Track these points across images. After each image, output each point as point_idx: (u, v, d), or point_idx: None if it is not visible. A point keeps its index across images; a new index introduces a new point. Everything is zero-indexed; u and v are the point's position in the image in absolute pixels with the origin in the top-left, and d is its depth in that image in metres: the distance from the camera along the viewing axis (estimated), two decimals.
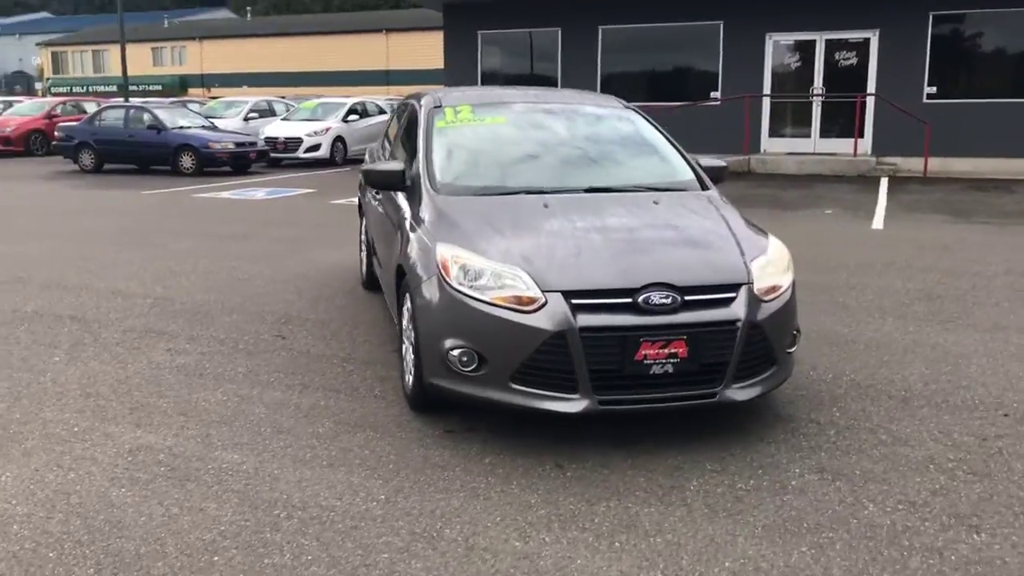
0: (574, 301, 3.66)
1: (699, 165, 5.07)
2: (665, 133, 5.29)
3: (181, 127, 18.05)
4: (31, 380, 4.75)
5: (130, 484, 3.47)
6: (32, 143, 23.07)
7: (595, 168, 4.88)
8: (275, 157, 19.70)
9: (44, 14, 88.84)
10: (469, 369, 3.78)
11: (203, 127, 18.59)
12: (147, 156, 18.05)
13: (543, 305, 3.65)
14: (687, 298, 3.74)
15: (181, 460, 3.71)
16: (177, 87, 51.94)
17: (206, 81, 53.05)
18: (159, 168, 18.05)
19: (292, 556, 2.95)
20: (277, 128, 20.22)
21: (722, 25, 17.74)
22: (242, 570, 2.86)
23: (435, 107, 5.23)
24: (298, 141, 19.63)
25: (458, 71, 19.68)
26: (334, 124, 20.34)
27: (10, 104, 25.82)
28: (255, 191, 14.65)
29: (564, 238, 4.00)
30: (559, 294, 3.67)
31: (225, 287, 7.06)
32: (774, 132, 17.71)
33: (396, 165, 4.84)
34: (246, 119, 21.82)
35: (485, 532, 3.12)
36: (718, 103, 17.77)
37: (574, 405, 3.68)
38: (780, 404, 4.42)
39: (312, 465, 3.68)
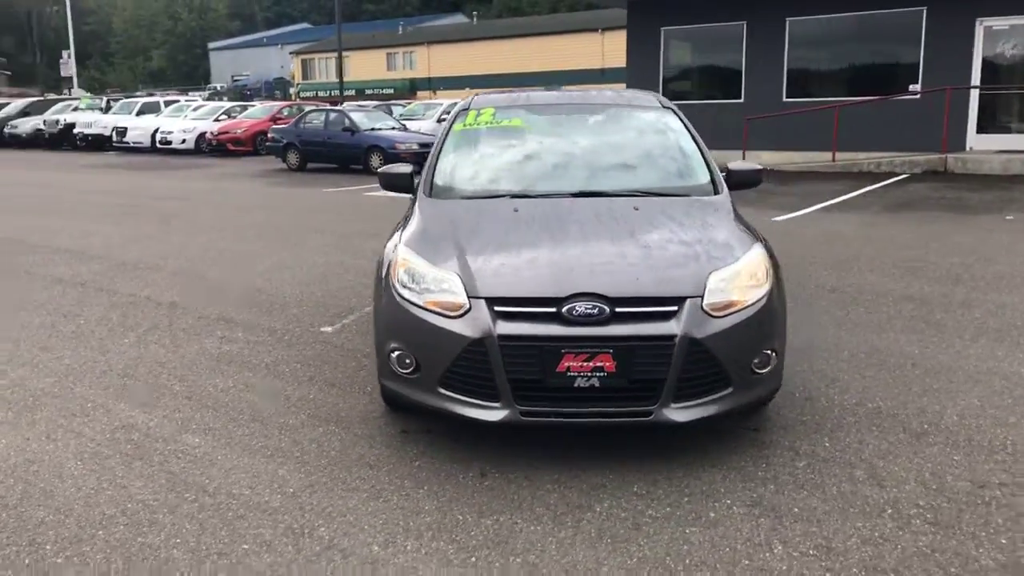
0: (497, 308, 3.57)
1: (724, 168, 4.75)
2: (695, 134, 4.98)
3: (373, 129, 19.18)
4: (91, 358, 5.32)
5: (89, 459, 3.82)
6: (258, 143, 25.38)
7: (598, 171, 4.71)
8: None
9: (304, 25, 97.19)
10: (406, 372, 3.80)
11: (393, 129, 19.63)
12: (343, 156, 19.35)
13: (467, 311, 3.60)
14: (618, 310, 3.53)
15: (148, 440, 4.03)
16: (407, 90, 55.04)
17: (433, 84, 55.80)
18: (355, 167, 19.28)
19: (165, 538, 3.12)
20: None
21: (925, 11, 16.21)
22: (113, 546, 3.07)
23: (462, 109, 5.26)
24: None
25: (640, 69, 19.41)
26: None
27: (245, 108, 28.52)
28: None
29: (511, 244, 3.91)
30: (483, 301, 3.60)
31: (317, 281, 7.48)
32: (983, 128, 15.95)
33: (405, 168, 4.93)
34: (439, 120, 22.75)
35: (355, 534, 3.14)
36: (918, 95, 16.27)
37: (494, 414, 3.60)
38: (771, 428, 4.06)
39: (256, 454, 3.86)
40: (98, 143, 28.06)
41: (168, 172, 19.88)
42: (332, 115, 19.81)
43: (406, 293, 3.80)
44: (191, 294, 7.03)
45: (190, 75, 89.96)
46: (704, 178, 4.65)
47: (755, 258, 3.88)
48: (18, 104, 33.58)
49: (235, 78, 76.78)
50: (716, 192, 4.55)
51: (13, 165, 22.64)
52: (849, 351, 5.25)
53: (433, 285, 3.73)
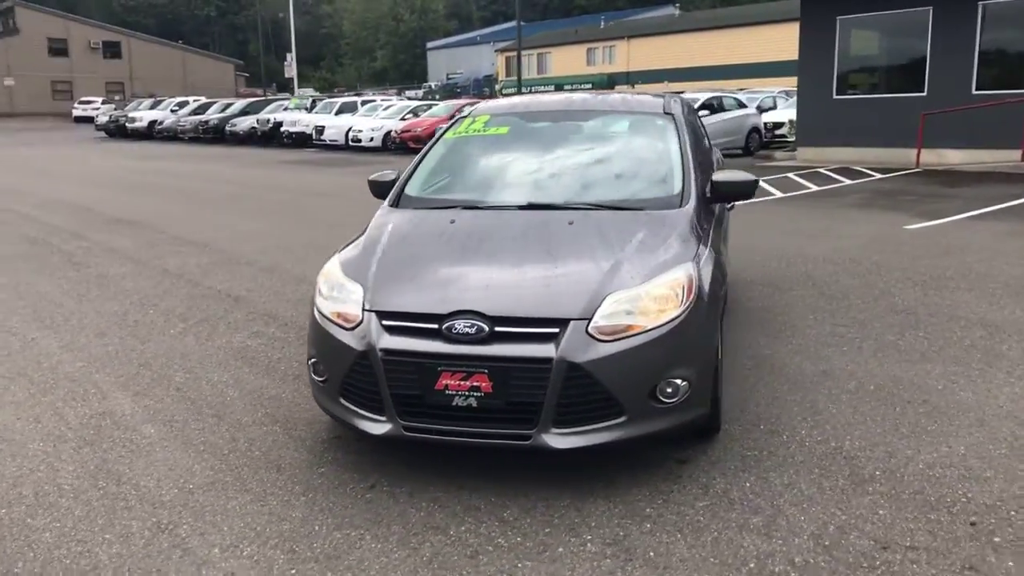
0: (384, 323, 3.57)
1: (709, 180, 4.47)
2: (686, 144, 4.68)
3: None
4: (130, 347, 5.81)
5: (50, 441, 4.20)
6: None
7: (561, 183, 4.56)
8: None
9: (514, 23, 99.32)
10: (320, 380, 3.88)
11: None
12: None
13: (359, 324, 3.62)
14: (497, 329, 3.42)
15: (111, 428, 4.36)
16: (604, 85, 55.00)
17: (631, 79, 55.39)
18: None
19: (48, 521, 3.39)
20: None
21: None
22: (3, 524, 3.38)
23: (461, 117, 5.26)
24: None
25: (812, 61, 18.30)
26: None
27: (430, 106, 29.66)
28: None
29: (420, 258, 3.89)
30: (374, 314, 3.60)
31: None
32: None
33: (389, 175, 4.98)
34: None
35: (209, 535, 3.26)
36: None
37: (379, 427, 3.60)
38: (701, 461, 3.77)
39: (190, 448, 4.09)
40: (301, 140, 30.22)
41: (349, 168, 21.07)
42: None
43: (319, 302, 3.88)
44: (262, 289, 7.48)
45: (409, 74, 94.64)
46: (673, 190, 4.38)
47: (672, 279, 3.61)
48: (239, 104, 36.85)
49: (449, 76, 80.00)
50: (681, 205, 4.26)
51: (220, 160, 24.89)
52: (859, 381, 4.75)
53: (340, 296, 3.79)
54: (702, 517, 3.31)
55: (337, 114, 31.34)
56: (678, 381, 3.52)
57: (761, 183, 14.90)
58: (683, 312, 3.54)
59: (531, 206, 4.33)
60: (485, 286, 3.60)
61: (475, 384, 3.40)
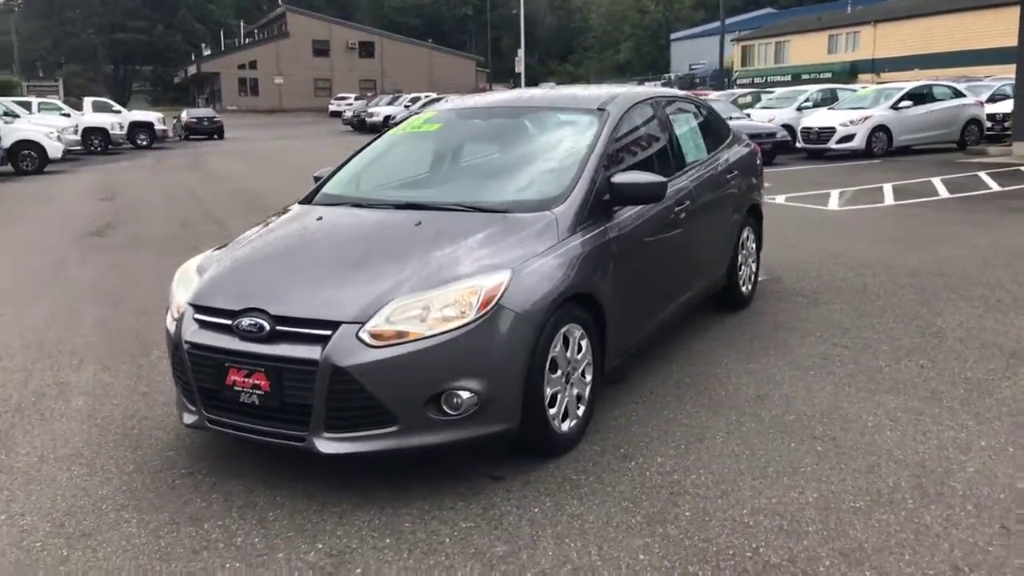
0: (196, 316, 3.69)
1: (586, 183, 4.16)
2: (600, 144, 4.37)
3: None
4: (154, 324, 6.35)
5: None
6: None
7: (450, 181, 4.46)
8: (811, 149, 18.95)
9: (768, 10, 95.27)
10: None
11: (731, 118, 18.83)
12: None
13: (182, 316, 3.77)
14: (279, 328, 3.43)
15: (46, 399, 4.75)
16: (846, 74, 51.36)
17: (876, 66, 51.31)
18: None
19: None
20: (815, 118, 19.33)
21: None
22: None
23: (415, 114, 5.25)
24: (830, 131, 18.51)
25: None
26: (877, 112, 18.55)
27: None
28: None
29: (259, 254, 3.96)
30: (190, 307, 3.74)
31: None
32: None
33: (328, 171, 5.06)
34: (799, 109, 21.17)
35: (59, 529, 3.40)
36: None
37: (189, 417, 3.74)
38: (516, 478, 3.55)
39: (85, 424, 4.43)
40: None
41: None
42: None
43: (169, 293, 4.06)
44: None
45: (652, 66, 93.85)
46: (553, 193, 4.12)
47: (467, 287, 3.43)
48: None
49: (692, 67, 78.42)
50: (552, 208, 4.00)
51: None
52: (786, 410, 4.24)
53: (182, 289, 3.95)
54: (448, 539, 3.14)
55: None
56: (463, 393, 3.35)
57: (932, 182, 13.49)
58: (471, 321, 3.35)
59: (407, 205, 4.26)
60: (283, 286, 3.62)
61: (256, 382, 3.43)
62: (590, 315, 3.94)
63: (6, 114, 24.55)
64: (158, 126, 32.98)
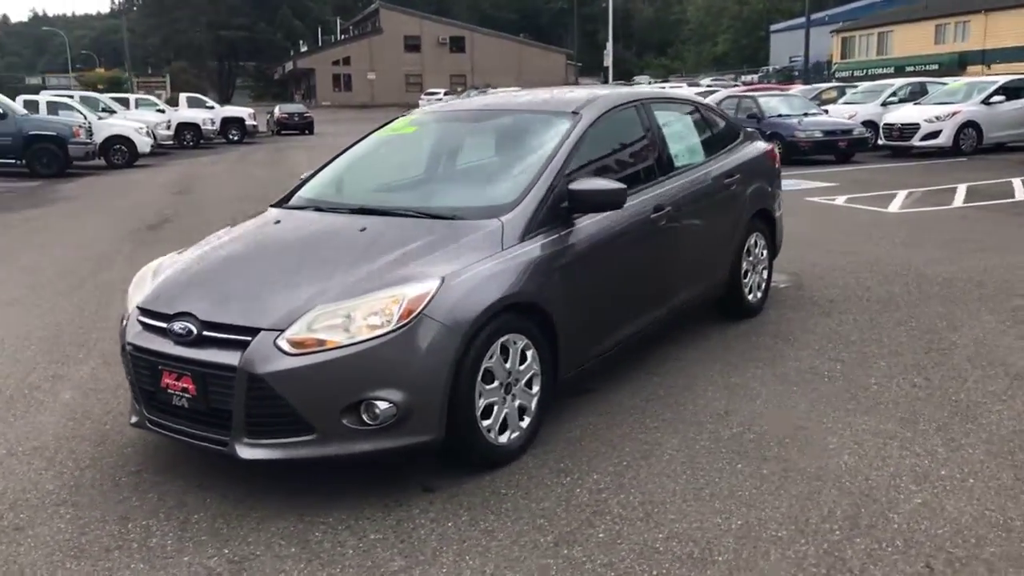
0: (139, 318, 3.77)
1: (541, 190, 4.07)
2: (565, 150, 4.28)
3: (779, 115, 18.09)
4: None
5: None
6: None
7: (409, 186, 4.43)
8: (893, 146, 18.18)
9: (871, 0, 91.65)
10: None
11: (806, 115, 18.23)
12: None
13: (129, 317, 3.86)
14: (205, 334, 3.47)
15: (39, 391, 4.88)
16: (955, 65, 49.00)
17: (987, 58, 48.76)
18: None
19: None
20: (899, 114, 18.52)
21: None
22: None
23: (402, 115, 5.26)
24: (914, 128, 17.69)
25: None
26: (966, 107, 17.63)
27: (710, 92, 28.65)
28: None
29: (208, 257, 4.01)
30: (136, 310, 3.82)
31: None
32: None
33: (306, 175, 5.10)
34: (884, 104, 20.28)
35: None
36: None
37: (134, 417, 3.83)
38: (439, 495, 3.52)
39: (59, 415, 4.60)
40: None
41: None
42: (742, 101, 19.14)
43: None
44: None
45: (751, 58, 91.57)
46: (506, 199, 4.05)
47: (390, 295, 3.40)
48: None
49: (792, 59, 76.21)
50: (501, 216, 3.93)
51: None
52: (721, 430, 4.06)
53: (137, 289, 4.05)
54: (352, 551, 3.12)
55: None
56: (380, 404, 3.32)
57: (1013, 183, 12.70)
58: (392, 331, 3.33)
59: (362, 210, 4.25)
60: (219, 291, 3.67)
61: (184, 386, 3.49)
62: (537, 325, 3.86)
63: (103, 110, 25.83)
64: (248, 121, 34.08)
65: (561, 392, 4.35)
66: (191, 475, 3.78)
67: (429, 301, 3.41)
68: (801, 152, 17.10)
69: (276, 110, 41.36)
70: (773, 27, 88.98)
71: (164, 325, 3.61)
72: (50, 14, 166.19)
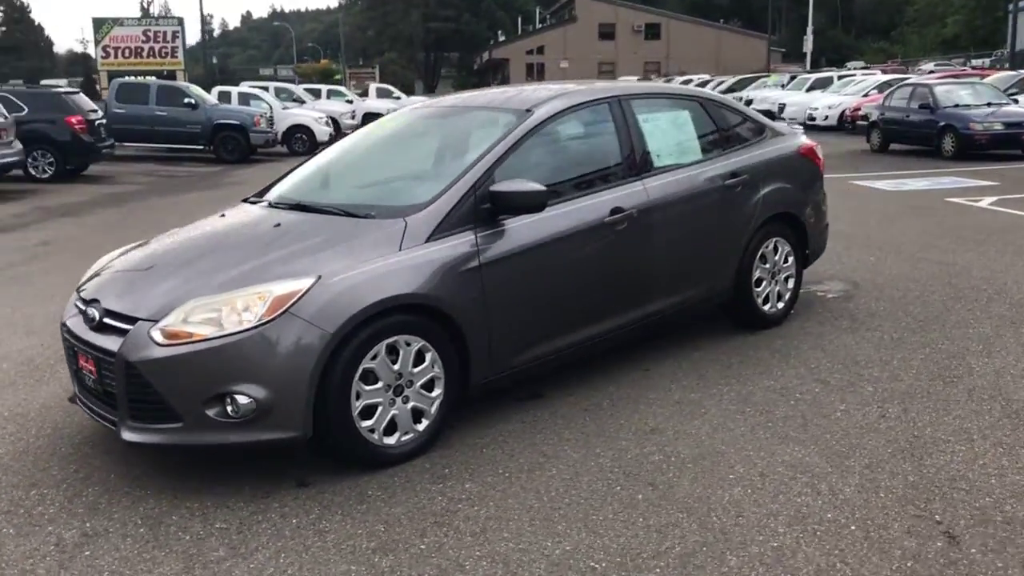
0: (75, 301, 4.08)
1: (462, 191, 4.01)
2: (495, 147, 4.19)
3: (955, 105, 16.50)
4: None
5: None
6: None
7: (346, 182, 4.55)
8: None
9: None
10: None
11: (990, 104, 16.51)
12: (918, 136, 17.14)
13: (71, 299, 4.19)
14: (105, 320, 3.71)
15: (38, 370, 5.16)
16: None
17: None
18: (925, 148, 16.90)
19: None
20: None
21: None
22: None
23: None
24: None
25: None
26: None
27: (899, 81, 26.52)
28: (912, 181, 12.92)
29: (150, 248, 4.27)
30: (75, 292, 4.14)
31: None
32: None
33: None
34: None
35: None
36: None
37: (69, 395, 4.16)
38: (311, 490, 3.58)
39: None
40: (773, 118, 29.56)
41: None
42: (915, 89, 17.60)
43: None
44: None
45: (986, 41, 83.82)
46: (420, 198, 4.03)
47: (258, 291, 3.51)
48: (728, 81, 37.10)
49: None
50: (409, 215, 3.92)
51: None
52: (622, 454, 3.81)
53: (88, 273, 4.38)
54: (189, 537, 3.25)
55: (808, 90, 29.83)
56: (240, 398, 3.43)
57: None
58: (254, 327, 3.42)
59: (297, 206, 4.36)
60: (130, 280, 3.89)
61: (90, 368, 3.76)
62: (440, 327, 3.82)
63: (292, 100, 27.78)
64: None
65: (506, 395, 4.33)
66: (119, 452, 4.04)
67: (298, 299, 3.47)
68: (977, 146, 15.55)
69: None
70: (1012, 6, 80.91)
71: (84, 309, 3.90)
72: (286, 10, 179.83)
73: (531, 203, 4.01)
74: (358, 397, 3.61)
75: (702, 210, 4.99)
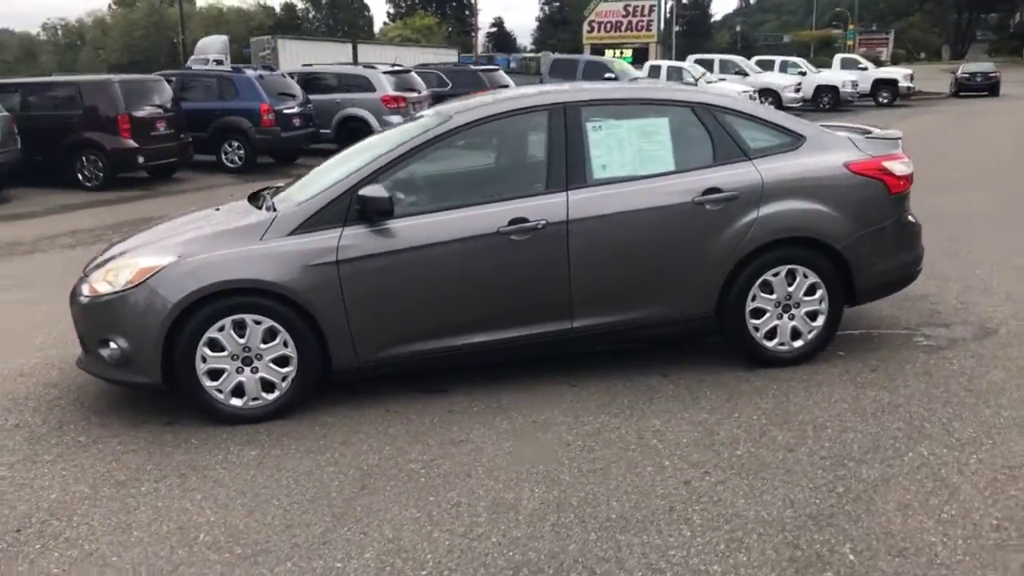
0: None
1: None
2: (389, 153, 4.49)
3: None
4: None
5: None
6: None
7: (305, 184, 4.98)
8: None
9: None
10: None
11: None
12: None
13: None
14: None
15: (59, 327, 6.26)
16: None
17: None
18: None
19: None
20: None
21: None
22: None
23: None
24: None
25: None
26: None
27: None
28: None
29: (155, 224, 5.28)
30: None
31: None
32: None
33: None
34: None
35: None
36: None
37: None
38: (176, 428, 4.38)
39: None
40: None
41: None
42: None
43: None
44: None
45: None
46: (305, 196, 4.51)
47: (130, 263, 4.41)
48: None
49: None
50: (282, 210, 4.48)
51: None
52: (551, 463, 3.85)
53: None
54: (48, 457, 4.05)
55: None
56: (112, 344, 4.36)
57: None
58: (119, 291, 4.30)
59: (254, 196, 5.10)
60: (114, 251, 4.91)
61: None
62: (295, 311, 4.30)
63: (735, 72, 27.83)
64: (903, 83, 32.29)
65: (404, 385, 4.66)
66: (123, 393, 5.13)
67: (154, 273, 4.26)
68: None
69: (959, 69, 38.01)
70: None
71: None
72: None
73: (378, 208, 4.25)
74: (204, 360, 4.29)
75: (655, 226, 4.58)
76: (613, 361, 4.95)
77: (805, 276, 4.75)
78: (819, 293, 4.78)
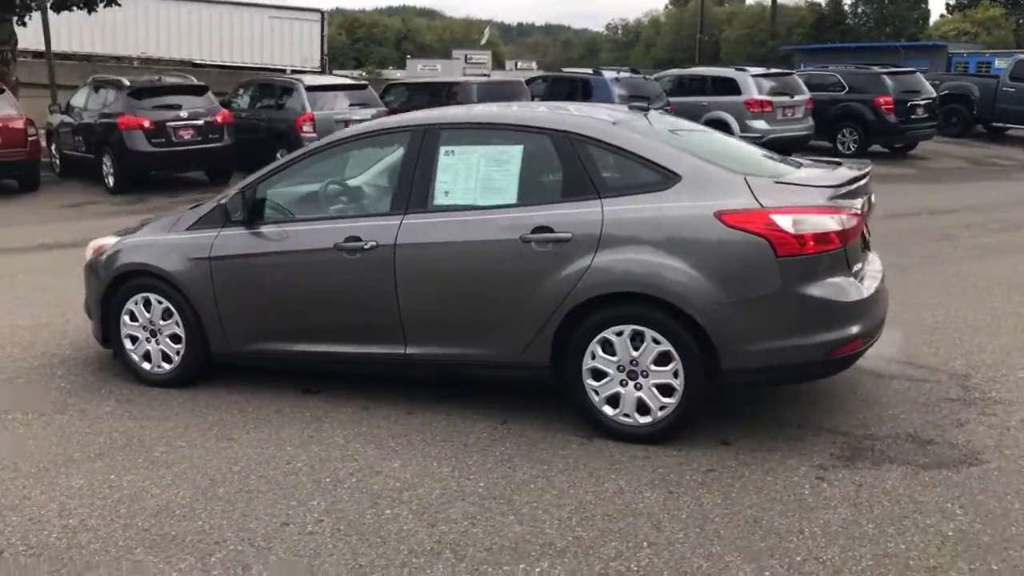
0: None
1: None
2: (285, 159, 4.86)
3: None
4: None
5: None
6: None
7: None
8: None
9: None
10: None
11: None
12: None
13: None
14: None
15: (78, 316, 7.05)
16: None
17: None
18: None
19: None
20: None
21: None
22: None
23: None
24: None
25: None
26: None
27: None
28: None
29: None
30: None
31: None
32: None
33: None
34: None
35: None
36: None
37: None
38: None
39: None
40: None
41: None
42: None
43: None
44: None
45: None
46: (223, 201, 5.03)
47: (92, 242, 5.36)
48: None
49: None
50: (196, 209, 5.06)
51: None
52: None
53: None
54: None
55: None
56: (87, 303, 5.41)
57: None
58: (88, 261, 5.31)
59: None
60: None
61: None
62: (181, 296, 4.90)
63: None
64: None
65: (285, 381, 4.96)
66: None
67: (102, 253, 5.18)
68: None
69: None
70: None
71: None
72: None
73: (239, 213, 4.70)
74: (124, 327, 5.10)
75: (480, 260, 4.20)
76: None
77: (656, 341, 3.94)
78: (672, 365, 3.93)
